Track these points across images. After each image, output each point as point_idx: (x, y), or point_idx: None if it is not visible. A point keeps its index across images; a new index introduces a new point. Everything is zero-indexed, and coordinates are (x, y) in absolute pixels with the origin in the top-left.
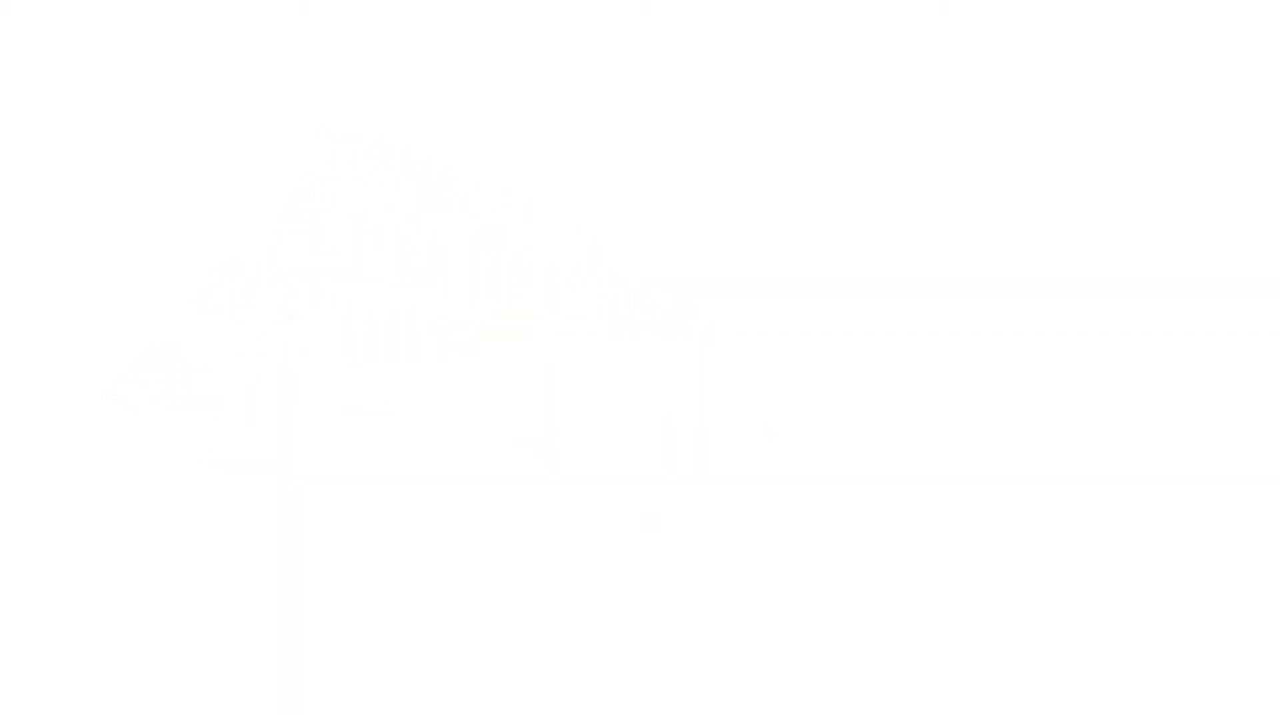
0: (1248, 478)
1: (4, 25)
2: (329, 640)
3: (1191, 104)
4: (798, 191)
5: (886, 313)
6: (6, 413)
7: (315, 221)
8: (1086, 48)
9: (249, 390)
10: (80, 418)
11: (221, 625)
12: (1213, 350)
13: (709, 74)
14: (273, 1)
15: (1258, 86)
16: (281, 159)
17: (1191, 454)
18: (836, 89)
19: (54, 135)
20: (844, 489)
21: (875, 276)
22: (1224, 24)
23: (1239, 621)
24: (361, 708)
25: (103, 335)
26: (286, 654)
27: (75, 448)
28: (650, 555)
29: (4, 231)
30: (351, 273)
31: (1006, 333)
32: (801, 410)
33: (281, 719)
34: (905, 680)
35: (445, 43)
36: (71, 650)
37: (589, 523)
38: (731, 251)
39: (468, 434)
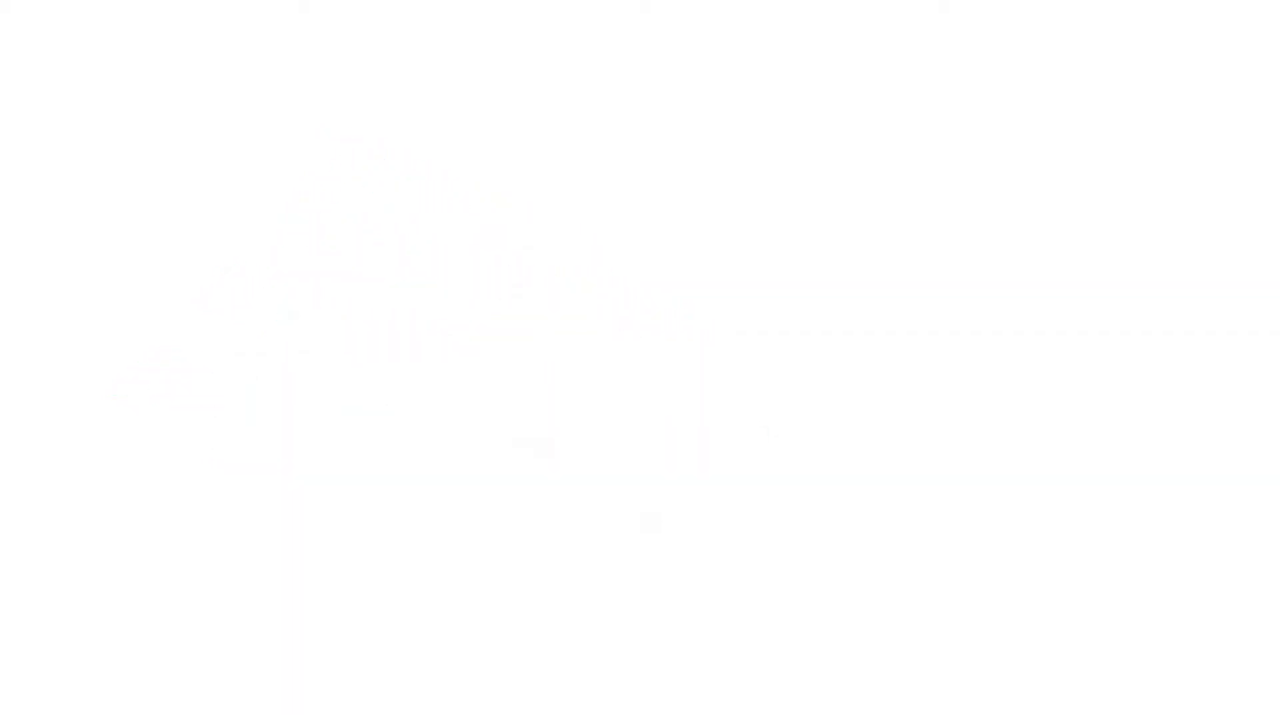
0: (1248, 478)
1: (4, 25)
2: (329, 640)
3: (1191, 104)
4: (797, 191)
5: (886, 313)
6: (6, 413)
7: (315, 221)
8: (1086, 48)
9: (249, 390)
10: (80, 418)
11: (222, 625)
12: (1213, 350)
13: (709, 74)
14: (273, 1)
15: (1258, 86)
16: (281, 159)
17: (1191, 454)
18: (836, 89)
19: (54, 135)
20: (844, 489)
21: (875, 276)
22: (1224, 24)
23: (1239, 621)
24: (361, 708)
25: (103, 335)
26: (286, 654)
27: (75, 448)
28: (650, 555)
29: (4, 231)
30: (351, 273)
31: (1006, 333)
32: (801, 410)
33: (281, 719)
34: (905, 680)
35: (445, 43)
36: (72, 650)
37: (589, 523)
38: (731, 251)
39: (468, 434)
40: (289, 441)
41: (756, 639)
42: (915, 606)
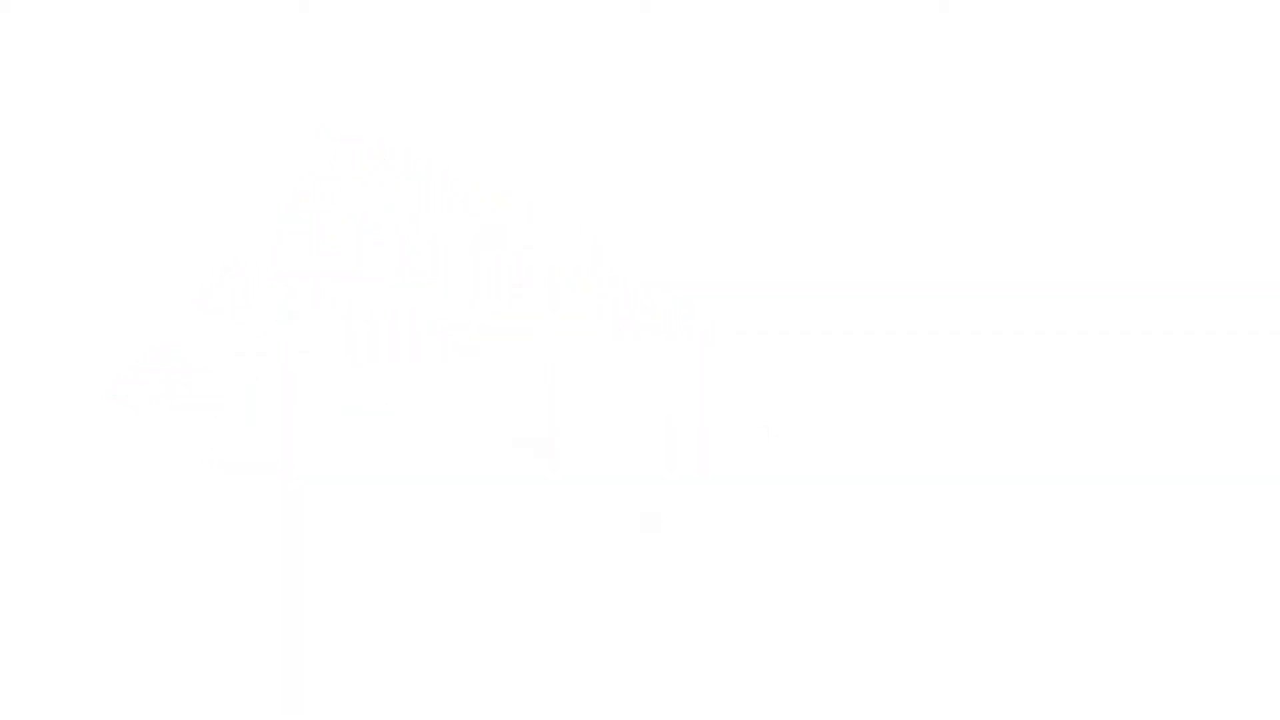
0: (1248, 478)
1: (4, 25)
2: (329, 640)
3: (1191, 104)
4: (797, 191)
5: (886, 313)
6: (7, 413)
7: (315, 221)
8: (1086, 48)
9: (249, 390)
10: (80, 418)
11: (222, 625)
12: (1213, 350)
13: (709, 74)
14: (273, 1)
15: (1258, 86)
16: (281, 159)
17: (1191, 454)
18: (837, 89)
19: (54, 135)
20: (844, 489)
21: (875, 276)
22: (1224, 24)
23: (1239, 621)
24: (361, 708)
25: (103, 335)
26: (286, 654)
27: (75, 448)
28: (650, 555)
29: (4, 231)
30: (351, 273)
31: (1006, 333)
32: (801, 410)
33: (281, 719)
34: (905, 680)
35: (445, 43)
36: (72, 650)
37: (589, 523)
38: (731, 251)
39: (468, 434)
40: (289, 441)
41: (756, 639)
42: (915, 606)
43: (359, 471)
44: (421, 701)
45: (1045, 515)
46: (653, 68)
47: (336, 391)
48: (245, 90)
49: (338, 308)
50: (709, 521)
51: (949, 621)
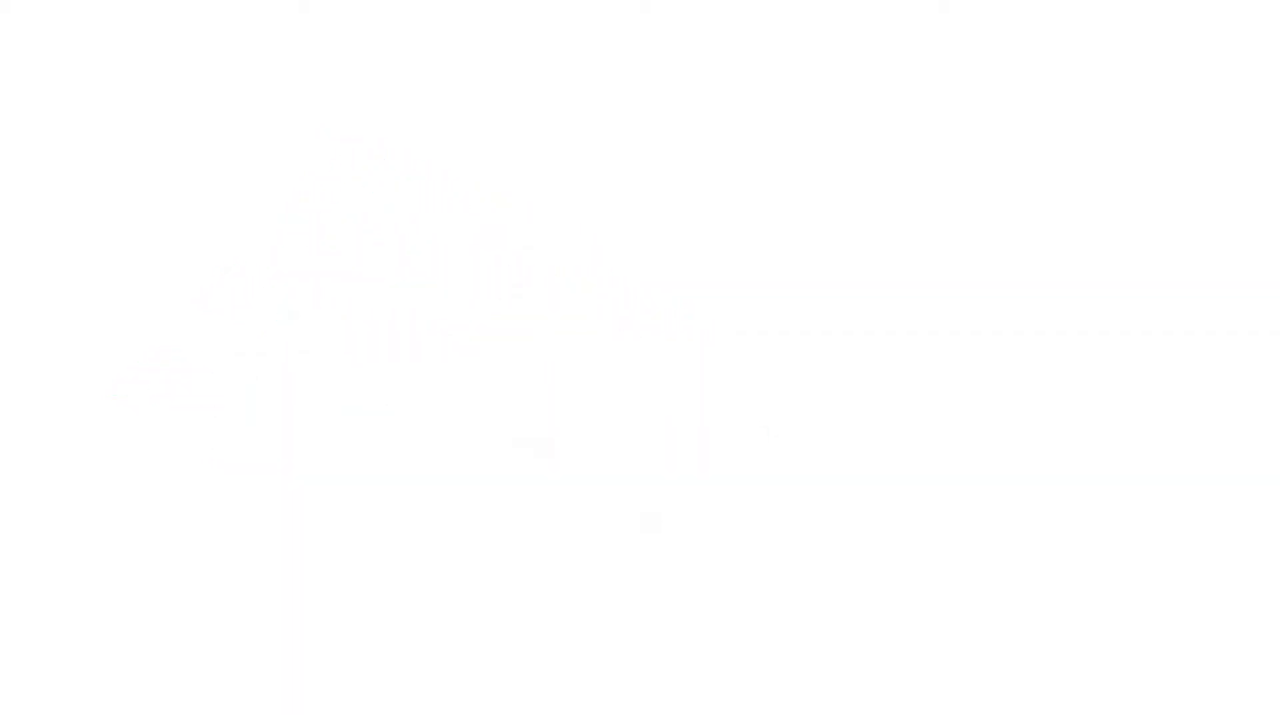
0: (1248, 478)
1: (4, 25)
2: (329, 640)
3: (1191, 104)
4: (797, 191)
5: (886, 313)
6: (7, 413)
7: (315, 221)
8: (1086, 48)
9: (249, 390)
10: (80, 418)
11: (222, 625)
12: (1213, 350)
13: (709, 74)
14: (273, 1)
15: (1258, 86)
16: (281, 159)
17: (1191, 454)
18: (837, 89)
19: (54, 135)
20: (844, 489)
21: (875, 276)
22: (1224, 24)
23: (1239, 621)
24: (361, 708)
25: (103, 335)
26: (286, 654)
27: (75, 448)
28: (650, 555)
29: (4, 231)
30: (351, 273)
31: (1006, 333)
32: (801, 410)
33: (281, 719)
34: (905, 680)
35: (445, 43)
36: (72, 650)
37: (589, 523)
38: (731, 251)
39: (468, 434)
40: (289, 441)
41: (757, 639)
42: (915, 606)
43: (359, 471)
44: (421, 701)
45: (1045, 515)
46: (653, 68)
47: (336, 391)
48: (245, 91)
49: (338, 308)
50: (709, 521)
51: (949, 621)
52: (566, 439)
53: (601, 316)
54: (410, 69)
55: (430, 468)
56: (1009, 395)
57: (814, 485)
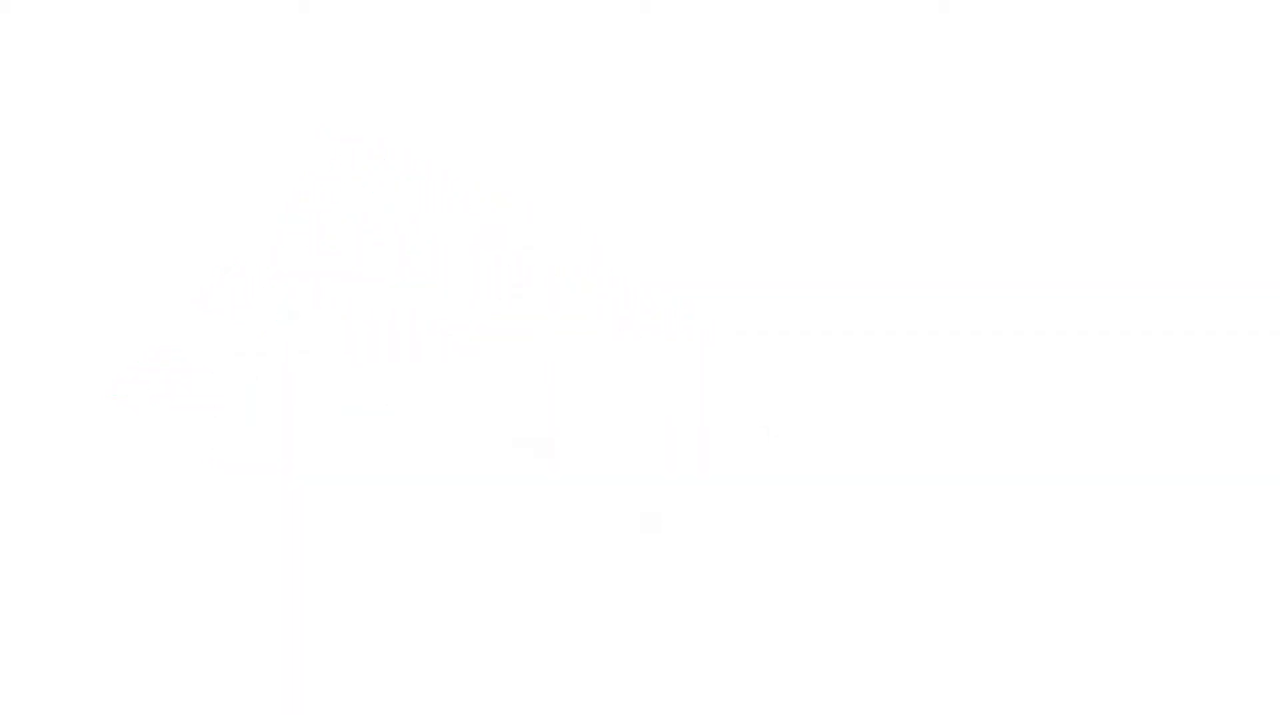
0: (1248, 478)
1: (4, 25)
2: (329, 640)
3: (1191, 104)
4: (797, 191)
5: (886, 313)
6: (7, 413)
7: (315, 221)
8: (1086, 48)
9: (249, 390)
10: (80, 418)
11: (222, 625)
12: (1213, 350)
13: (709, 74)
14: (273, 1)
15: (1258, 86)
16: (281, 159)
17: (1191, 454)
18: (837, 89)
19: (54, 135)
20: (844, 489)
21: (875, 276)
22: (1224, 24)
23: (1239, 621)
24: (361, 708)
25: (103, 335)
26: (286, 654)
27: (75, 448)
28: (650, 555)
29: (4, 231)
30: (351, 273)
31: (1006, 333)
32: (801, 410)
33: (281, 719)
34: (905, 680)
35: (445, 43)
36: (72, 650)
37: (589, 523)
38: (731, 251)
39: (468, 434)
40: (289, 441)
41: (757, 639)
42: (915, 606)
43: (359, 471)
44: (421, 701)
45: (1045, 515)
46: (653, 68)
47: (336, 391)
48: (245, 91)
49: (338, 308)
50: (709, 521)
51: (949, 621)
52: (566, 439)
53: (601, 316)
54: (410, 69)
55: (430, 468)
56: (1009, 395)
57: (814, 485)
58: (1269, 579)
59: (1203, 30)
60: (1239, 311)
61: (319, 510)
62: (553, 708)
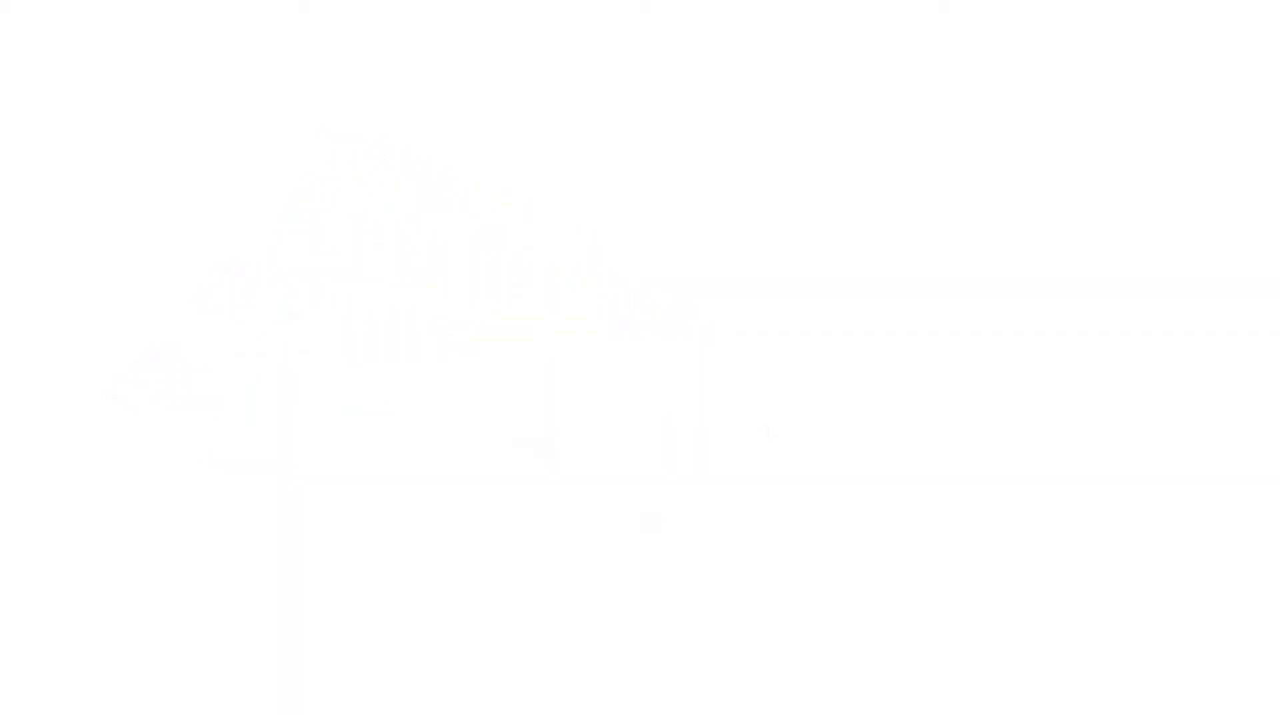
0: (1248, 478)
1: (4, 25)
2: (329, 640)
3: (1191, 104)
4: (797, 191)
5: (886, 313)
6: (7, 413)
7: (315, 221)
8: (1087, 48)
9: (249, 390)
10: (80, 418)
11: (222, 625)
12: (1213, 350)
13: (709, 74)
14: (273, 1)
15: (1258, 86)
16: (281, 159)
17: (1191, 454)
18: (837, 89)
19: (54, 135)
20: (844, 489)
21: (875, 276)
22: (1224, 24)
23: (1239, 621)
24: (361, 708)
25: (103, 335)
26: (286, 654)
27: (75, 448)
28: (650, 555)
29: (4, 231)
30: (351, 273)
31: (1006, 333)
32: (801, 410)
33: (281, 719)
34: (905, 680)
35: (445, 43)
36: (72, 650)
37: (589, 523)
38: (731, 251)
39: (468, 434)
40: (289, 441)
41: (757, 639)
42: (915, 606)
43: (359, 471)
44: (421, 701)
45: (1045, 515)
46: (653, 68)
47: (336, 391)
48: (245, 91)
49: (338, 308)
50: (709, 521)
51: (949, 621)
52: (566, 439)
53: (601, 316)
54: (410, 69)
55: (430, 468)
56: (1009, 395)
57: (814, 485)
58: (1269, 579)
59: (1203, 30)
60: (1239, 311)
61: (319, 510)
62: (553, 708)
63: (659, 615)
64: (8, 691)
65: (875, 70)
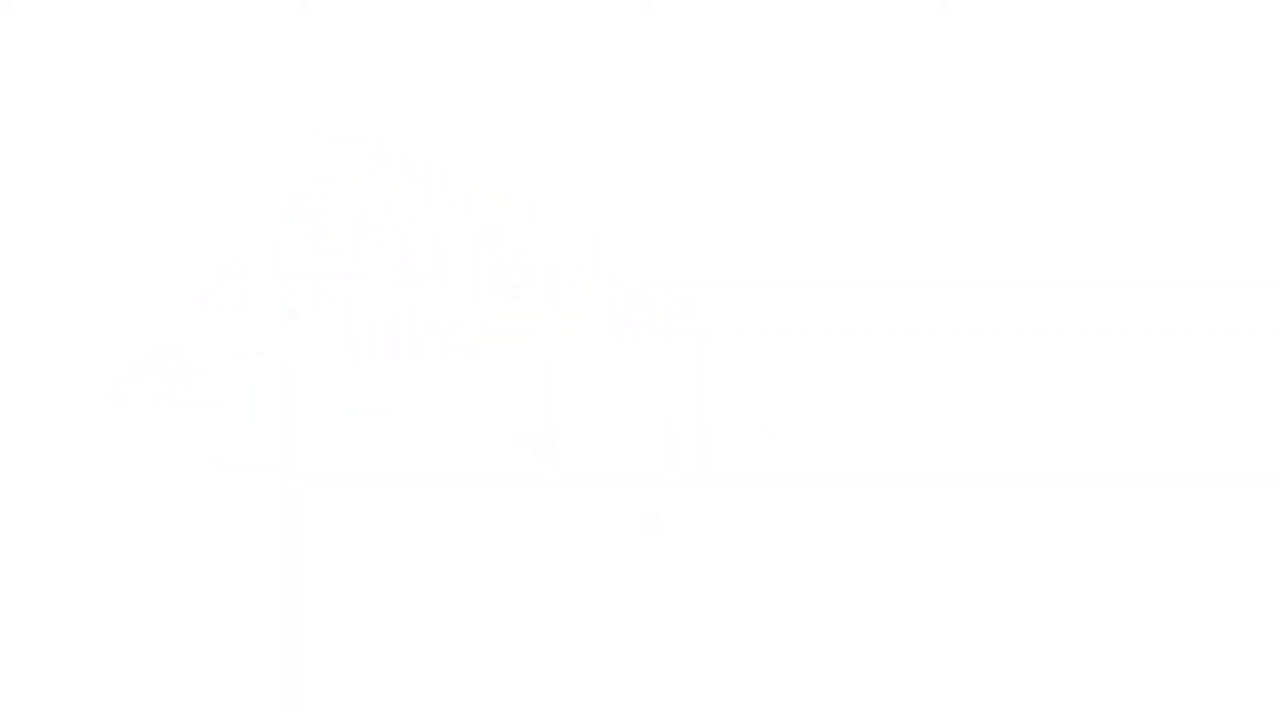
0: (1248, 478)
1: (4, 25)
2: (329, 640)
3: (1191, 104)
4: (797, 191)
5: (886, 313)
6: (7, 413)
7: (315, 221)
8: (1087, 48)
9: (249, 390)
10: (80, 418)
11: (222, 625)
12: (1213, 350)
13: (709, 74)
14: (273, 1)
15: (1258, 86)
16: (281, 159)
17: (1191, 454)
18: (837, 89)
19: (54, 135)
20: (844, 489)
21: (875, 276)
22: (1224, 24)
23: (1239, 621)
24: (361, 708)
25: (103, 335)
26: (286, 654)
27: (75, 448)
28: (650, 555)
29: (4, 231)
30: (351, 273)
31: (1006, 333)
32: (801, 410)
33: (281, 719)
34: (905, 680)
35: (445, 43)
36: (72, 650)
37: (589, 523)
38: (731, 251)
39: (468, 434)
40: (289, 441)
41: (757, 639)
42: (915, 606)
43: (359, 471)
44: (421, 701)
45: (1045, 515)
46: (653, 68)
47: (336, 391)
48: (245, 91)
49: (338, 308)
50: (709, 521)
51: (949, 621)
52: (566, 439)
53: (601, 316)
54: (410, 69)
55: (430, 468)
56: (1009, 395)
57: (814, 485)
58: (1269, 579)
59: (1203, 30)
60: (1239, 311)
61: (319, 510)
62: (553, 708)
63: (659, 615)
64: (8, 691)
65: (875, 70)
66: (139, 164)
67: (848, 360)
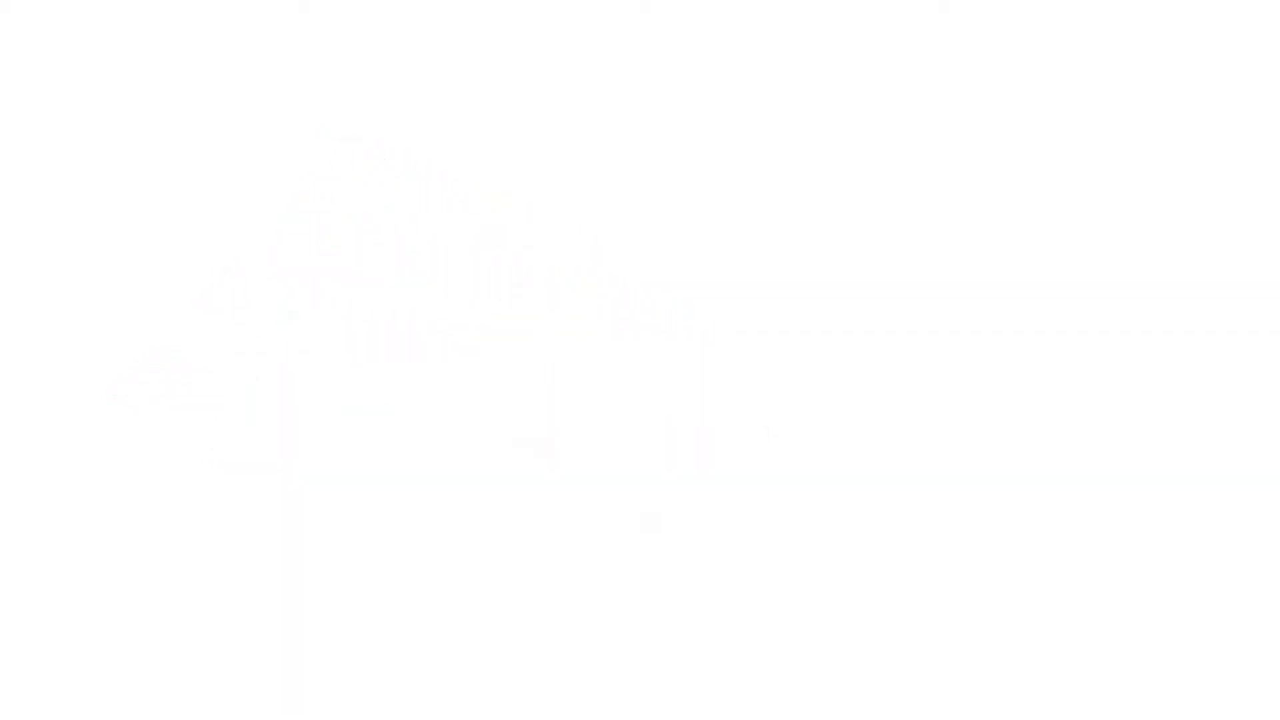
0: (1248, 478)
1: (4, 25)
2: (329, 640)
3: (1191, 104)
4: (797, 191)
5: (886, 313)
6: (7, 413)
7: (315, 221)
8: (1087, 48)
9: (249, 390)
10: (80, 418)
11: (221, 625)
12: (1213, 350)
13: (709, 74)
14: (273, 1)
15: (1258, 86)
16: (281, 159)
17: (1191, 454)
18: (837, 89)
19: (54, 135)
20: (844, 489)
21: (875, 276)
22: (1224, 24)
23: (1239, 621)
24: (361, 708)
25: (103, 335)
26: (287, 654)
27: (75, 448)
28: (650, 555)
29: (4, 231)
30: (351, 273)
31: (1006, 333)
32: (801, 410)
33: (281, 719)
34: (905, 680)
35: (445, 43)
36: (72, 650)
37: (589, 523)
38: (731, 251)
39: (468, 434)
40: (289, 441)
41: (757, 639)
42: (915, 606)
43: (359, 471)
44: (421, 701)
45: (1045, 515)
46: (653, 68)
47: (336, 391)
48: (246, 91)
49: (338, 308)
50: (709, 521)
51: (949, 621)
52: (566, 439)
53: (601, 316)
54: (410, 69)
55: (430, 468)
56: (1009, 395)
57: (814, 485)
58: (1269, 579)
59: (1203, 30)
60: (1239, 311)
61: (319, 510)
62: (553, 708)
63: (659, 615)
64: (8, 691)
65: (875, 70)
66: (139, 164)
67: (848, 360)
